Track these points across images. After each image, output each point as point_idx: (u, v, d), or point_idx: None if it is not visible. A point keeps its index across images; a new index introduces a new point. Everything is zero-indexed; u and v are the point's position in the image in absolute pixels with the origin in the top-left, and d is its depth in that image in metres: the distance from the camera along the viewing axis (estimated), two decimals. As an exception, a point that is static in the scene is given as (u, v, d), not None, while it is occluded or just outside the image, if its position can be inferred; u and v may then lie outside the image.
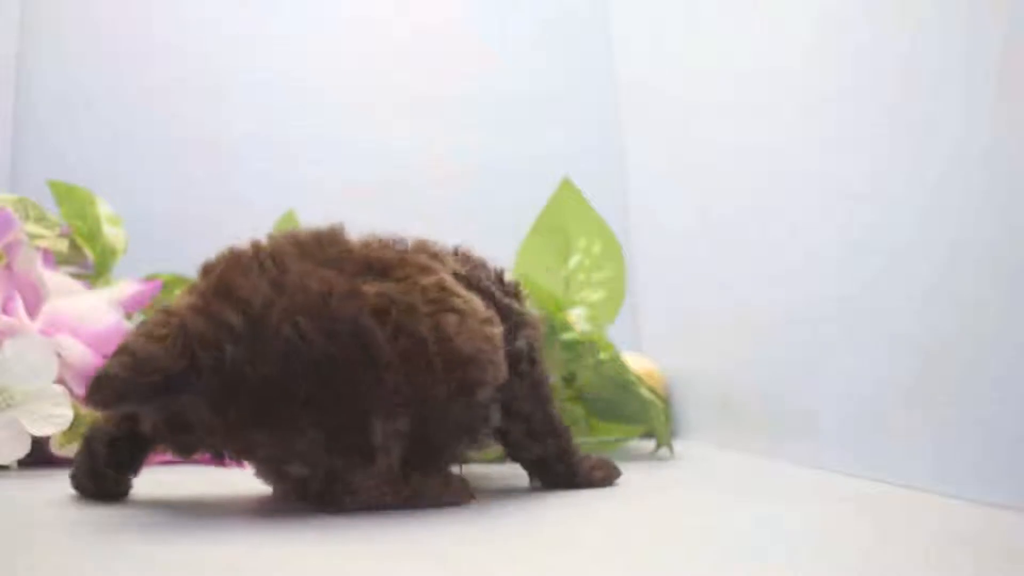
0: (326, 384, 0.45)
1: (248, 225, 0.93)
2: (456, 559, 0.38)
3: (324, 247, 0.49)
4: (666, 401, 0.96)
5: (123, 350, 0.45)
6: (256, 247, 0.49)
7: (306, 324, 0.45)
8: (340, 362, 0.45)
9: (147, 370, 0.44)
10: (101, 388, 0.44)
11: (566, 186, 0.84)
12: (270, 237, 0.51)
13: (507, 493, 0.57)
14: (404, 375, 0.47)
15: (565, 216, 0.83)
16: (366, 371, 0.46)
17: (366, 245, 0.51)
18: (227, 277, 0.47)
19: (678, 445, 0.84)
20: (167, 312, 0.47)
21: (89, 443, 0.53)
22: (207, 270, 0.49)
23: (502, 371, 0.51)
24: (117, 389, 0.44)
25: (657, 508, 0.54)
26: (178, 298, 0.49)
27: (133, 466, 0.53)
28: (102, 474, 0.52)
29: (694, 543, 0.42)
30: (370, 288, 0.47)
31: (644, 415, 0.80)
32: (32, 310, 0.72)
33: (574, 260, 0.83)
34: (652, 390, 0.84)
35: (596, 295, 0.81)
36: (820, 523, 0.48)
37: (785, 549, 0.41)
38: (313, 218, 0.92)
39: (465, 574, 0.35)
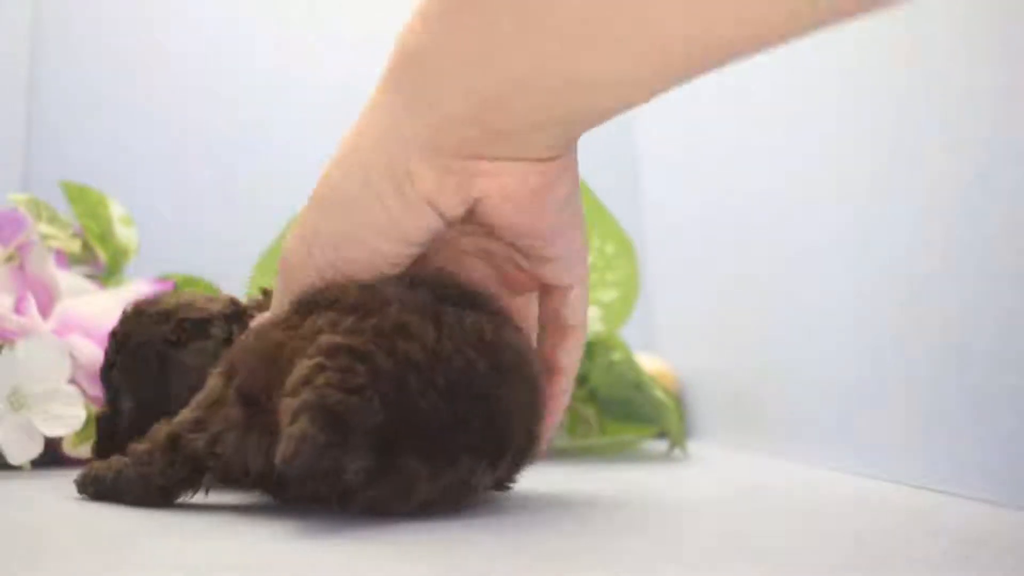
0: (487, 415, 0.46)
1: (259, 225, 0.94)
2: (467, 556, 0.38)
3: (445, 287, 0.48)
4: (680, 401, 0.96)
5: (317, 408, 0.40)
6: (401, 285, 0.47)
7: (473, 354, 0.45)
8: (506, 389, 0.46)
9: (353, 429, 0.41)
10: (300, 454, 0.39)
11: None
12: (401, 278, 0.49)
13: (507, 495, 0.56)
14: (534, 422, 0.49)
15: (577, 215, 0.83)
16: (526, 405, 0.48)
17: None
18: (404, 317, 0.45)
19: (692, 446, 0.84)
20: (351, 353, 0.43)
21: (133, 486, 0.49)
22: (347, 304, 0.46)
23: None
24: (318, 454, 0.40)
25: (669, 509, 0.53)
26: (313, 326, 0.45)
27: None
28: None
29: (703, 546, 0.42)
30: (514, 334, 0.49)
31: (657, 415, 0.80)
32: (44, 310, 0.72)
33: (586, 259, 0.83)
34: (665, 390, 0.83)
35: (609, 295, 0.80)
36: (833, 526, 0.47)
37: (795, 553, 0.40)
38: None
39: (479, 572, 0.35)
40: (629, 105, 0.44)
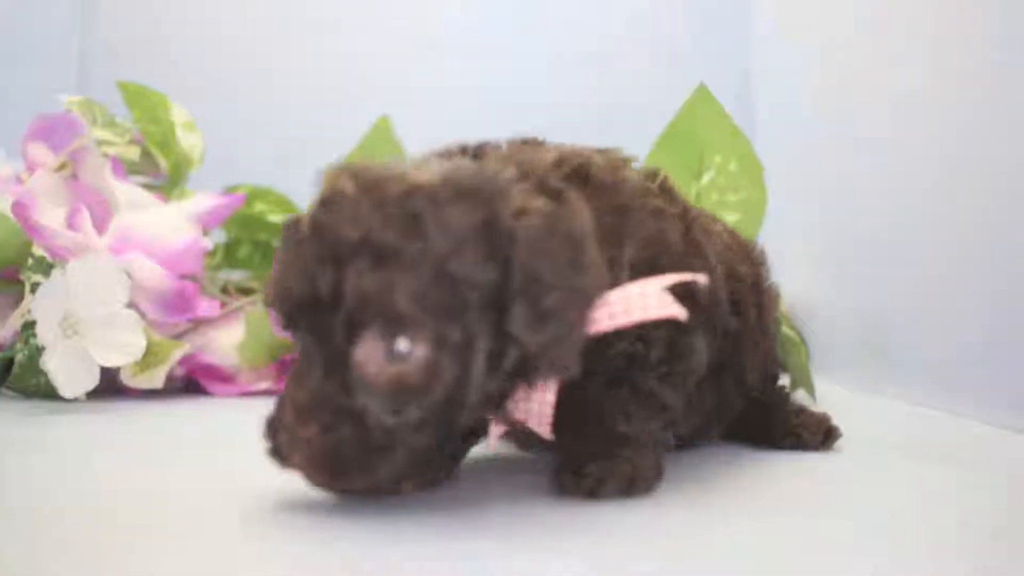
0: None
1: (334, 131, 0.86)
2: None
3: None
4: (803, 337, 0.86)
5: None
6: None
7: None
8: None
9: None
10: None
11: (702, 93, 0.73)
12: None
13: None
14: None
15: (698, 127, 0.73)
16: None
17: None
18: None
19: (818, 386, 0.76)
20: None
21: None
22: None
23: None
24: None
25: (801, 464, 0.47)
26: None
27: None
28: None
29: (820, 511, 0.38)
30: None
31: (781, 353, 0.71)
32: (100, 225, 0.67)
33: (707, 177, 0.73)
34: (791, 325, 0.74)
35: (731, 218, 0.71)
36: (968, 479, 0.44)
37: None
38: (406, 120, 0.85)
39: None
40: None
